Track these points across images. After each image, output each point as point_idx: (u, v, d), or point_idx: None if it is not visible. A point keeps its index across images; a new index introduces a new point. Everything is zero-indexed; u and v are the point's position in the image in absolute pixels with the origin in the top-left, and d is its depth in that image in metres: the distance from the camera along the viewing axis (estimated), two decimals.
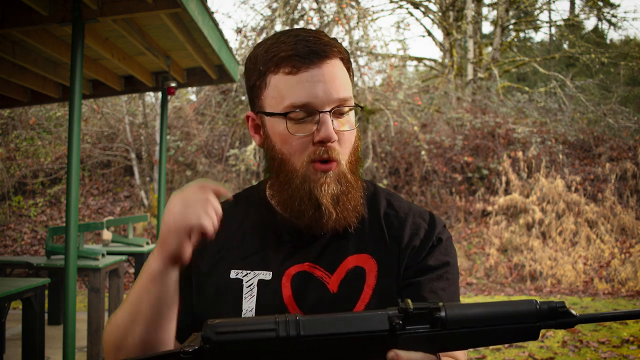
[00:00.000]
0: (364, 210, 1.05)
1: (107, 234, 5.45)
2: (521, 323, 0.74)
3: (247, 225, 1.06)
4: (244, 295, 0.99)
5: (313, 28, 11.02)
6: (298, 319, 0.75)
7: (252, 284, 0.99)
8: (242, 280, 1.00)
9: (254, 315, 0.96)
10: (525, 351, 4.54)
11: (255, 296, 0.98)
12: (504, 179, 9.08)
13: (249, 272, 1.00)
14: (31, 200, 10.14)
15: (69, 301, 3.23)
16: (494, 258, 8.10)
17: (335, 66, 0.96)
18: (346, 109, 0.97)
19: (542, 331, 5.20)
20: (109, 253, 4.86)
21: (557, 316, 0.74)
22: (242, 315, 0.97)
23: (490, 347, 4.63)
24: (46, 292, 4.89)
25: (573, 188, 8.87)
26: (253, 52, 1.01)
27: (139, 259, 5.24)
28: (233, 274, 1.00)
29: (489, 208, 8.87)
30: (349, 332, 0.74)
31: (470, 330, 0.74)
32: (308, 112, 0.94)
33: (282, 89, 0.95)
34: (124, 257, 4.77)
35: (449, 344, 0.75)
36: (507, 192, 9.08)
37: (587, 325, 5.20)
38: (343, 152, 0.98)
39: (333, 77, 0.95)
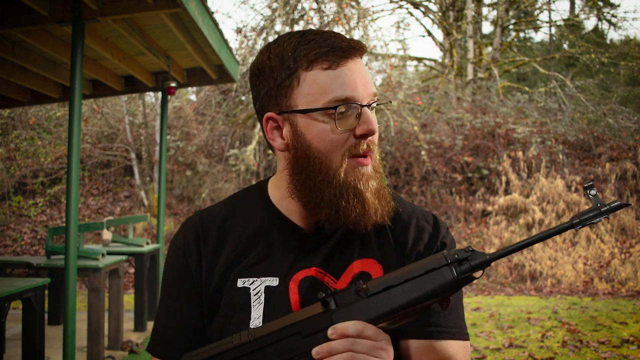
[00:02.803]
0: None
1: (107, 234, 5.45)
2: (434, 270, 0.80)
3: (250, 230, 1.03)
4: (252, 304, 0.97)
5: (313, 28, 11.01)
6: (249, 330, 0.87)
7: (259, 291, 0.98)
8: (249, 288, 0.98)
9: (262, 324, 0.95)
10: (525, 351, 4.54)
11: (263, 303, 0.97)
12: (504, 179, 9.08)
13: (255, 279, 0.99)
14: (31, 200, 10.14)
15: (69, 301, 3.23)
16: None
17: (363, 63, 0.98)
18: (374, 104, 0.97)
19: (542, 331, 5.17)
20: (109, 253, 4.86)
21: (468, 258, 0.79)
22: (251, 324, 0.96)
23: (491, 347, 4.63)
24: (46, 292, 4.89)
25: (573, 188, 8.87)
26: (274, 50, 0.97)
27: (139, 259, 5.24)
28: (240, 283, 0.99)
29: (489, 208, 8.87)
30: (292, 324, 0.84)
31: (390, 289, 0.80)
32: (350, 105, 0.93)
33: (321, 84, 0.93)
34: (124, 257, 4.76)
35: (379, 307, 0.81)
36: (507, 192, 9.08)
37: (587, 325, 5.20)
38: (375, 146, 0.98)
39: (366, 73, 0.96)
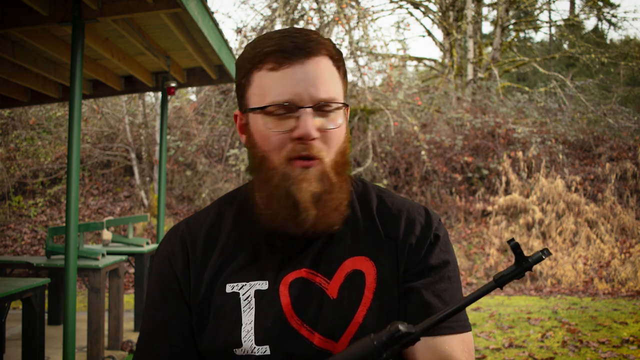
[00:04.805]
0: (356, 209, 1.02)
1: (107, 234, 5.45)
2: None
3: (237, 233, 1.02)
4: (242, 309, 0.95)
5: (313, 28, 11.00)
6: None
7: (249, 296, 0.96)
8: (238, 293, 0.96)
9: (253, 329, 0.94)
10: (525, 351, 4.54)
11: (253, 308, 0.95)
12: (504, 179, 9.08)
13: (244, 284, 0.97)
14: (31, 200, 10.14)
15: (69, 301, 3.23)
16: (494, 258, 8.10)
17: (320, 64, 0.94)
18: (332, 107, 0.94)
19: (542, 331, 5.17)
20: (109, 253, 4.86)
21: (398, 340, 0.75)
22: (242, 329, 0.94)
23: (491, 347, 4.63)
24: (46, 292, 4.89)
25: (573, 188, 8.87)
26: (244, 49, 1.00)
27: (139, 259, 5.24)
28: (229, 289, 0.97)
29: (489, 208, 8.87)
30: None
31: None
32: (288, 107, 0.92)
33: (265, 85, 0.93)
34: (124, 257, 4.76)
35: None
36: (507, 192, 9.08)
37: (587, 325, 5.20)
38: (328, 151, 0.95)
39: (316, 75, 0.93)
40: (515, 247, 0.74)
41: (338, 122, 0.95)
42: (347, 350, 0.77)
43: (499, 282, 0.75)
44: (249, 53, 0.96)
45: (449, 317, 0.76)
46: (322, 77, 0.93)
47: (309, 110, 0.92)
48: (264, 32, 10.79)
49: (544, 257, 0.74)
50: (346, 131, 0.99)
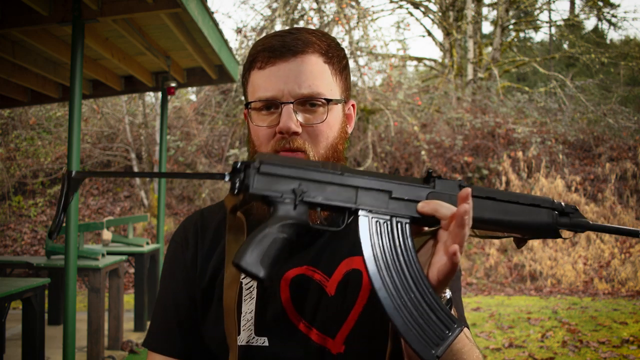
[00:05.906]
0: None
1: (107, 234, 5.45)
2: (540, 207, 0.78)
3: None
4: (243, 298, 0.98)
5: (313, 28, 11.03)
6: (340, 164, 0.85)
7: (251, 286, 0.98)
8: (241, 282, 0.99)
9: (253, 318, 0.96)
10: (525, 351, 4.54)
11: (254, 298, 0.97)
12: (504, 179, 9.08)
13: None
14: (31, 200, 10.13)
15: (69, 301, 3.23)
16: (494, 258, 8.10)
17: (306, 61, 0.96)
18: (318, 102, 0.96)
19: (542, 331, 5.15)
20: (109, 253, 4.86)
21: (570, 215, 0.78)
22: (242, 318, 0.97)
23: (491, 347, 4.63)
24: (46, 292, 4.89)
25: (573, 188, 8.87)
26: None
27: (139, 259, 5.24)
28: None
29: None
30: (387, 180, 0.82)
31: (490, 200, 0.79)
32: (270, 104, 0.96)
33: (255, 83, 0.98)
34: (124, 257, 4.76)
35: (474, 211, 0.78)
36: None
37: (587, 325, 5.20)
38: (314, 146, 0.97)
39: (300, 72, 0.95)
40: None
41: (324, 117, 0.97)
42: (529, 194, 0.80)
43: None
44: (249, 52, 1.01)
45: (627, 234, 0.78)
46: (306, 74, 0.96)
47: (290, 105, 0.95)
48: (264, 32, 10.80)
49: None
50: (340, 127, 1.01)
